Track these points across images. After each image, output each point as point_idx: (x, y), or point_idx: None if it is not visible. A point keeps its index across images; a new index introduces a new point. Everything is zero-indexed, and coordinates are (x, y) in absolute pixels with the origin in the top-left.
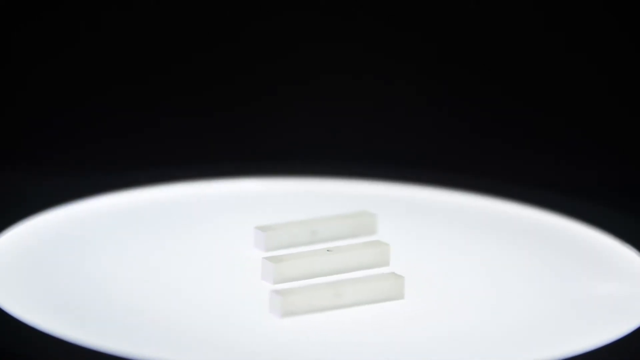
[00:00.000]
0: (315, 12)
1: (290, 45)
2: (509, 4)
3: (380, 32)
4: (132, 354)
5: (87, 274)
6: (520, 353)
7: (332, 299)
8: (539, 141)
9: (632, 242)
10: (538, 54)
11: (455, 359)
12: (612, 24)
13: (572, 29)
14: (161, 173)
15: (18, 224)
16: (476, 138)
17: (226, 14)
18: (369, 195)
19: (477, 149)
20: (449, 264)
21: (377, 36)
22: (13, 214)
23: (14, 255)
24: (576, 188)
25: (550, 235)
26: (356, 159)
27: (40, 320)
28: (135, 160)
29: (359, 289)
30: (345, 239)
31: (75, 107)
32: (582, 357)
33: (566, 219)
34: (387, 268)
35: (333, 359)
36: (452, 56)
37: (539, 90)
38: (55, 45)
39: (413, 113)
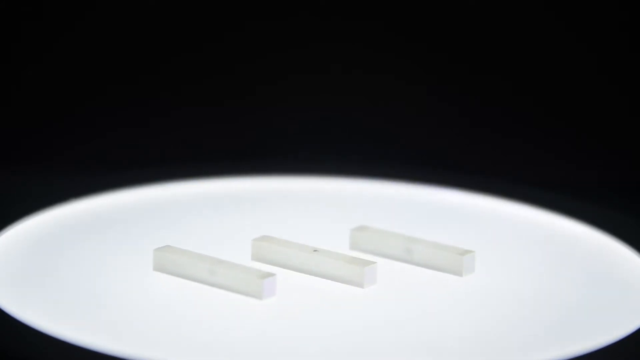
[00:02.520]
0: (314, 9)
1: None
2: (509, 3)
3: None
4: (133, 354)
5: (86, 273)
6: (519, 354)
7: (205, 273)
8: (539, 141)
9: (632, 242)
10: (538, 54)
11: None
12: (612, 23)
13: (573, 29)
14: (193, 169)
15: (17, 224)
16: (474, 137)
17: (216, 13)
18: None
19: (474, 148)
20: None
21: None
22: (11, 214)
23: (12, 255)
24: (576, 188)
25: (549, 235)
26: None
27: (39, 320)
28: (134, 160)
29: (227, 275)
30: (432, 269)
31: (75, 107)
32: (582, 358)
33: (566, 219)
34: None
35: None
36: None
37: (538, 90)
38: (52, 45)
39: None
